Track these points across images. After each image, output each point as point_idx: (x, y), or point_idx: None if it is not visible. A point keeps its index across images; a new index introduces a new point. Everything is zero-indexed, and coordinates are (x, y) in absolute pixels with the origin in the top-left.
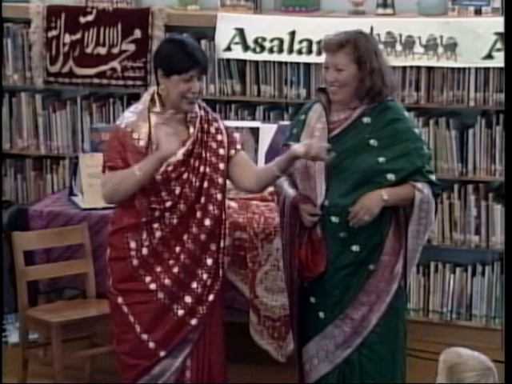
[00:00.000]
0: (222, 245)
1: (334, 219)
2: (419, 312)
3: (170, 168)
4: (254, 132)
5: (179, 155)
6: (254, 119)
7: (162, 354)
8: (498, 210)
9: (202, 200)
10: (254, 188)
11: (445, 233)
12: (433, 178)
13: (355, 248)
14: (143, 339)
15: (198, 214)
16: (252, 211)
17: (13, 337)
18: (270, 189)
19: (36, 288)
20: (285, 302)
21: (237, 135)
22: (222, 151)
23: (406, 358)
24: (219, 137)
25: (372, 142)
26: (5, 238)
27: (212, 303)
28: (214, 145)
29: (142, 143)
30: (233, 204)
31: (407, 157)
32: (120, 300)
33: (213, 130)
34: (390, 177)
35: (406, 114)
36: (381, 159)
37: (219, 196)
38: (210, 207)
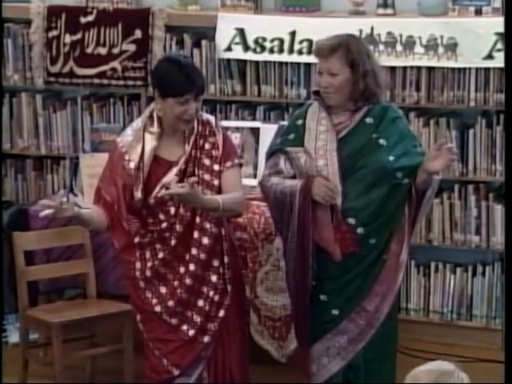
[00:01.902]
0: (226, 260)
1: (351, 220)
2: (419, 312)
3: (164, 191)
4: (255, 132)
5: (172, 176)
6: (254, 119)
7: (176, 372)
8: (499, 210)
9: (198, 219)
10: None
11: (445, 233)
12: None
13: (372, 241)
14: (157, 356)
15: (196, 234)
16: (252, 211)
17: (13, 337)
18: None
19: (36, 288)
20: (285, 302)
21: (236, 148)
22: (216, 167)
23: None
24: (214, 152)
25: (381, 141)
26: (5, 238)
27: (223, 319)
28: (207, 162)
29: (132, 165)
30: None
31: (409, 154)
32: (138, 317)
33: (207, 146)
34: (399, 175)
35: (401, 112)
36: (391, 158)
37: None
38: (207, 225)
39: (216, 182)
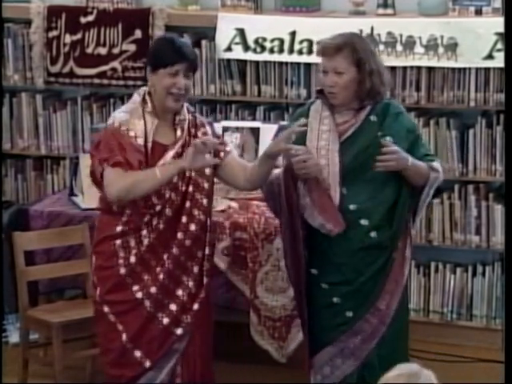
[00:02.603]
0: (207, 251)
1: (364, 222)
2: (420, 312)
3: None
4: (255, 132)
5: (168, 159)
6: (254, 119)
7: (148, 364)
8: (499, 210)
9: (187, 204)
10: (246, 185)
11: (445, 233)
12: (438, 162)
13: (385, 243)
14: (129, 348)
15: (184, 219)
16: (252, 211)
17: (13, 337)
18: None
19: (36, 288)
20: (285, 302)
21: (226, 138)
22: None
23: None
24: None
25: (388, 139)
26: (5, 238)
27: (197, 312)
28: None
29: (140, 141)
30: (233, 204)
31: (413, 149)
32: (106, 309)
33: (200, 134)
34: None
35: (403, 108)
36: None
37: (205, 201)
38: (196, 212)
39: (207, 171)
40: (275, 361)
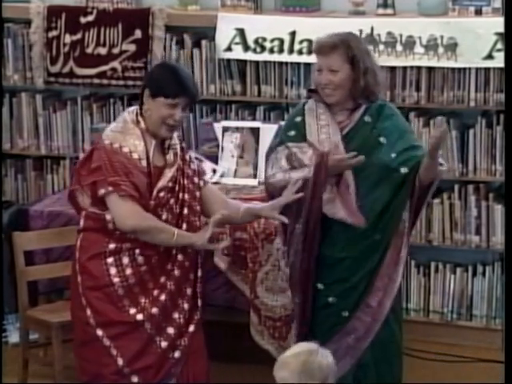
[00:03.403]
0: (199, 274)
1: None
2: (419, 312)
3: (161, 194)
4: (255, 132)
5: (166, 181)
6: (254, 119)
7: None
8: (499, 210)
9: (184, 227)
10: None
11: (445, 233)
12: None
13: (377, 237)
14: (126, 374)
15: None
16: None
17: (13, 337)
18: None
19: (36, 288)
20: (285, 301)
21: (206, 166)
22: (196, 179)
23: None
24: (192, 165)
25: (382, 139)
26: (5, 238)
27: (192, 334)
28: (190, 172)
29: (144, 163)
30: None
31: (411, 149)
32: (100, 332)
33: (187, 157)
34: (404, 170)
35: (397, 110)
36: (393, 155)
37: (197, 223)
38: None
39: (198, 194)
40: (275, 361)
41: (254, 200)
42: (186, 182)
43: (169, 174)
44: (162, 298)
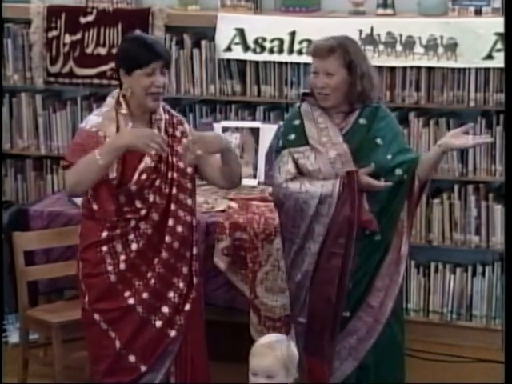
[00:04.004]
0: (194, 251)
1: None
2: (419, 312)
3: (143, 176)
4: (255, 132)
5: (149, 161)
6: (254, 119)
7: (144, 368)
8: (498, 210)
9: (173, 207)
10: (223, 184)
11: (445, 233)
12: None
13: (377, 238)
14: (123, 354)
15: (170, 222)
16: (252, 211)
17: (13, 337)
18: (270, 189)
19: (36, 288)
20: (285, 302)
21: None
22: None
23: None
24: (185, 140)
25: (379, 141)
26: (5, 238)
27: (189, 313)
28: (180, 149)
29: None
30: (233, 204)
31: (404, 151)
32: (97, 317)
33: (178, 133)
34: (398, 171)
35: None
36: (389, 156)
37: (189, 201)
38: (181, 213)
39: (189, 170)
40: None
41: (253, 200)
42: (174, 159)
43: (151, 154)
44: (152, 281)
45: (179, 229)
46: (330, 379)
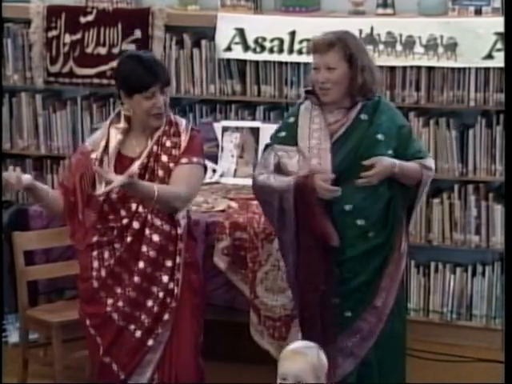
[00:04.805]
0: (177, 261)
1: (360, 222)
2: (419, 312)
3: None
4: (254, 132)
5: (135, 170)
6: (254, 119)
7: (123, 376)
8: (498, 210)
9: (149, 216)
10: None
11: (445, 233)
12: (430, 157)
13: (379, 240)
14: (106, 362)
15: (147, 231)
16: (252, 211)
17: (13, 337)
18: None
19: (36, 288)
20: (285, 301)
21: (202, 150)
22: (172, 165)
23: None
24: (174, 151)
25: (380, 136)
26: (5, 237)
27: (167, 323)
28: (164, 158)
29: (94, 156)
30: (233, 204)
31: (406, 145)
32: (87, 322)
33: (169, 144)
34: (396, 169)
35: (393, 105)
36: (389, 151)
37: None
38: (158, 222)
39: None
40: (275, 360)
41: (253, 200)
42: (156, 167)
43: (137, 162)
44: (129, 289)
45: (155, 238)
46: (332, 377)
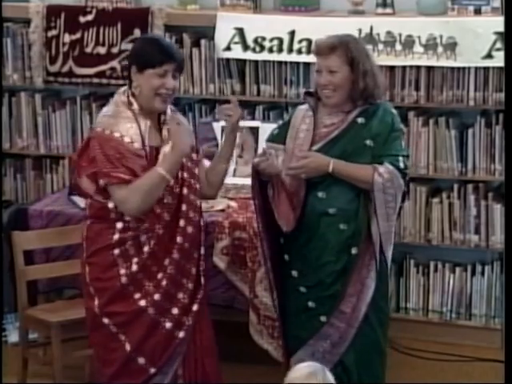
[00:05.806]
0: (202, 251)
1: (343, 226)
2: (419, 312)
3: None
4: (254, 132)
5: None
6: (253, 119)
7: (152, 371)
8: (498, 209)
9: (184, 207)
10: (206, 191)
11: (444, 232)
12: (401, 164)
13: (358, 244)
14: (133, 357)
15: (181, 222)
16: (252, 211)
17: (12, 336)
18: None
19: (36, 288)
20: None
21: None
22: (194, 155)
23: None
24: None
25: (368, 142)
26: (5, 237)
27: (196, 313)
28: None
29: (137, 145)
30: (232, 203)
31: (387, 146)
32: (106, 321)
33: None
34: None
35: (395, 111)
36: (375, 158)
37: (198, 202)
38: (191, 214)
39: (196, 171)
40: (275, 360)
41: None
42: (184, 159)
43: (165, 152)
44: (164, 282)
45: (190, 229)
46: None
